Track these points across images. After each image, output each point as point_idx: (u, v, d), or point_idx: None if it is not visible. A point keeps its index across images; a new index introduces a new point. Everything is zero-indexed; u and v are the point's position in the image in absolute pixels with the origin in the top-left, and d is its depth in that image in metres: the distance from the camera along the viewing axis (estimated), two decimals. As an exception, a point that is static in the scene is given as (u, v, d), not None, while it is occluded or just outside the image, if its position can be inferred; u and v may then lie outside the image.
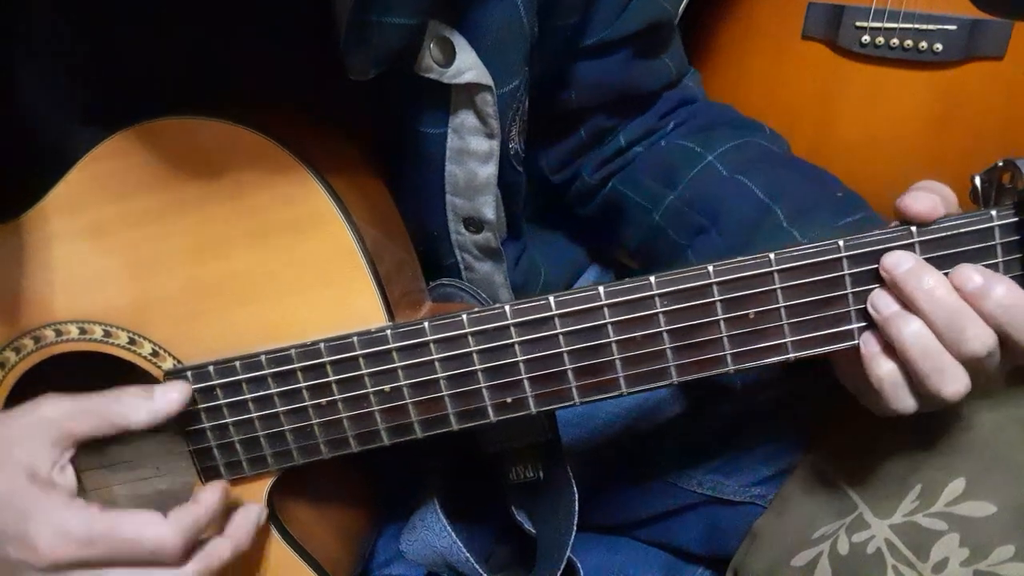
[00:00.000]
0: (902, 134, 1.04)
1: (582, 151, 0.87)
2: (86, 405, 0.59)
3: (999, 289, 0.53)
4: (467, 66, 0.66)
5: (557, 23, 0.72)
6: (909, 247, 0.54)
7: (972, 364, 0.54)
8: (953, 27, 0.97)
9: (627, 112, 0.85)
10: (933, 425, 0.67)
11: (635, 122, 0.85)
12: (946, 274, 0.54)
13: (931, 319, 0.53)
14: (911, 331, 0.54)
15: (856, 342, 0.57)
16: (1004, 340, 0.54)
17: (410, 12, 0.62)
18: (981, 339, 0.53)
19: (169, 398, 0.60)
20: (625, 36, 0.77)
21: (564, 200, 0.92)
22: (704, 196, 0.79)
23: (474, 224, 0.75)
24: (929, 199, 0.54)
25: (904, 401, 0.56)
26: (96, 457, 0.73)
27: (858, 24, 1.00)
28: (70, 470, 0.59)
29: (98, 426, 0.59)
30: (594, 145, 0.86)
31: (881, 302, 0.55)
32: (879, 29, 0.99)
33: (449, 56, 0.65)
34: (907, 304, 0.54)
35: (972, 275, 0.53)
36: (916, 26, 0.98)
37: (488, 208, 0.74)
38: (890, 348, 0.55)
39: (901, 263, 0.54)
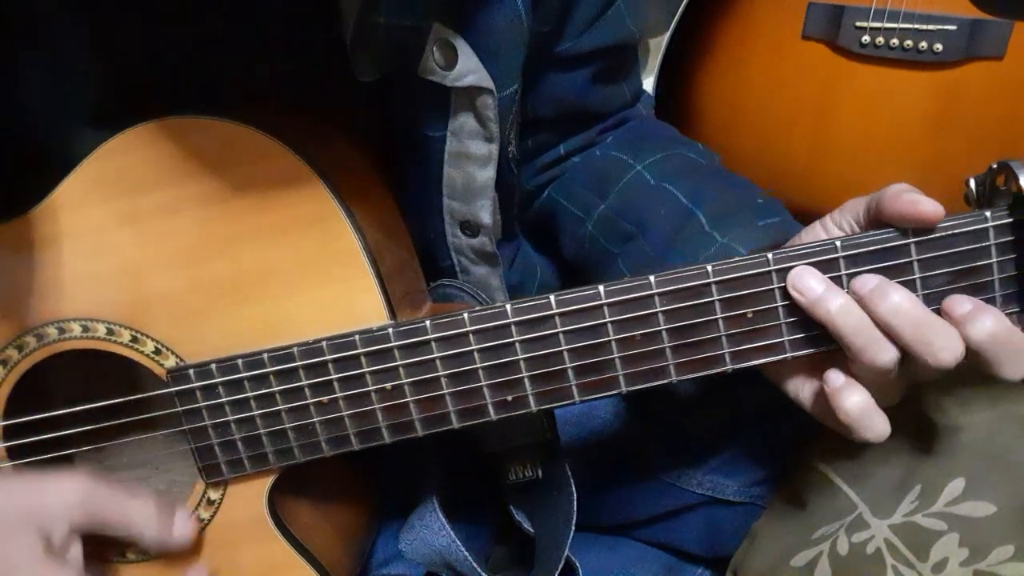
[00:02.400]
0: (902, 134, 1.04)
1: (525, 159, 0.87)
2: (114, 503, 0.61)
3: (987, 320, 0.53)
4: (468, 69, 0.66)
5: (535, 28, 0.72)
6: (905, 248, 0.54)
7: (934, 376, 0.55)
8: (953, 27, 0.97)
9: (576, 129, 0.87)
10: (933, 425, 0.68)
11: (577, 136, 0.87)
12: (942, 274, 0.55)
13: (897, 332, 0.53)
14: (838, 304, 0.54)
15: None
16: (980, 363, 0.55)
17: (415, 15, 0.63)
18: (949, 351, 0.53)
19: (181, 535, 0.63)
20: (592, 50, 0.79)
21: None
22: (632, 204, 0.80)
23: (470, 228, 0.75)
24: (933, 203, 0.54)
25: (879, 428, 0.56)
26: (97, 457, 0.73)
27: (858, 24, 1.00)
28: (78, 545, 0.60)
29: (114, 526, 0.61)
30: (535, 155, 0.88)
31: (805, 285, 0.55)
32: (879, 29, 0.99)
33: (451, 59, 0.66)
34: (876, 321, 0.54)
35: (963, 302, 0.54)
36: (916, 26, 0.98)
37: (485, 212, 0.74)
38: (852, 382, 0.56)
39: (867, 282, 0.55)
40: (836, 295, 0.54)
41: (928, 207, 0.53)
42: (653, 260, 0.75)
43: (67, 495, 0.60)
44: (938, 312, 0.55)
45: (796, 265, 0.55)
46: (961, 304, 0.54)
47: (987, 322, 0.53)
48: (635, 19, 0.80)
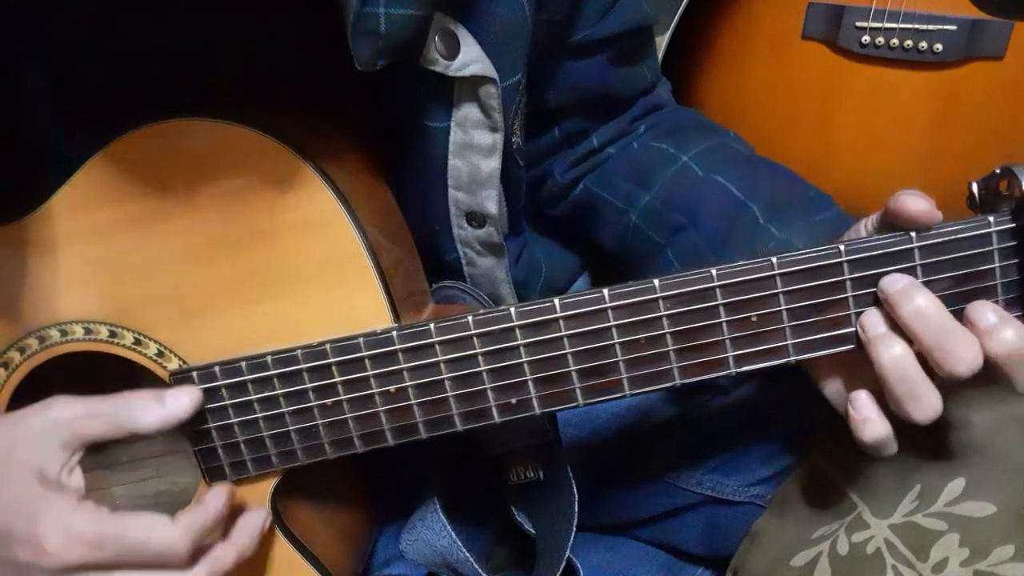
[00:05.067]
0: (902, 134, 1.04)
1: (554, 151, 0.87)
2: (96, 407, 0.59)
3: (1008, 333, 0.53)
4: (471, 59, 0.66)
5: (546, 18, 0.72)
6: (909, 252, 0.54)
7: (952, 382, 0.54)
8: (953, 27, 0.97)
9: (601, 115, 0.86)
10: (932, 425, 0.67)
11: (607, 125, 0.86)
12: (945, 278, 0.55)
13: (918, 336, 0.54)
14: (891, 355, 0.54)
15: (853, 346, 0.57)
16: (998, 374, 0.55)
17: (416, 4, 0.62)
18: (967, 361, 0.53)
19: (180, 403, 0.60)
20: (608, 36, 0.78)
21: (536, 201, 0.92)
22: (681, 195, 0.79)
23: (476, 219, 0.75)
24: (924, 200, 0.54)
25: (891, 451, 0.58)
26: (97, 457, 0.73)
27: (858, 24, 1.00)
28: (78, 472, 0.59)
29: (107, 429, 0.59)
30: (566, 146, 0.87)
31: (869, 322, 0.56)
32: (879, 29, 0.99)
33: (453, 49, 0.66)
34: (898, 323, 0.55)
35: (986, 313, 0.54)
36: (916, 26, 0.98)
37: (491, 202, 0.74)
38: (879, 413, 0.56)
39: (895, 282, 0.55)
40: (892, 343, 0.55)
41: (913, 206, 0.54)
42: (706, 251, 0.75)
43: (47, 420, 0.58)
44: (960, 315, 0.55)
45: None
46: (985, 315, 0.54)
47: (1009, 335, 0.53)
48: (650, 1, 0.80)
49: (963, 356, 0.53)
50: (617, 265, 0.89)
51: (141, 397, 0.60)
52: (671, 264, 0.78)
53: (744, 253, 0.69)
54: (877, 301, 0.56)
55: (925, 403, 0.54)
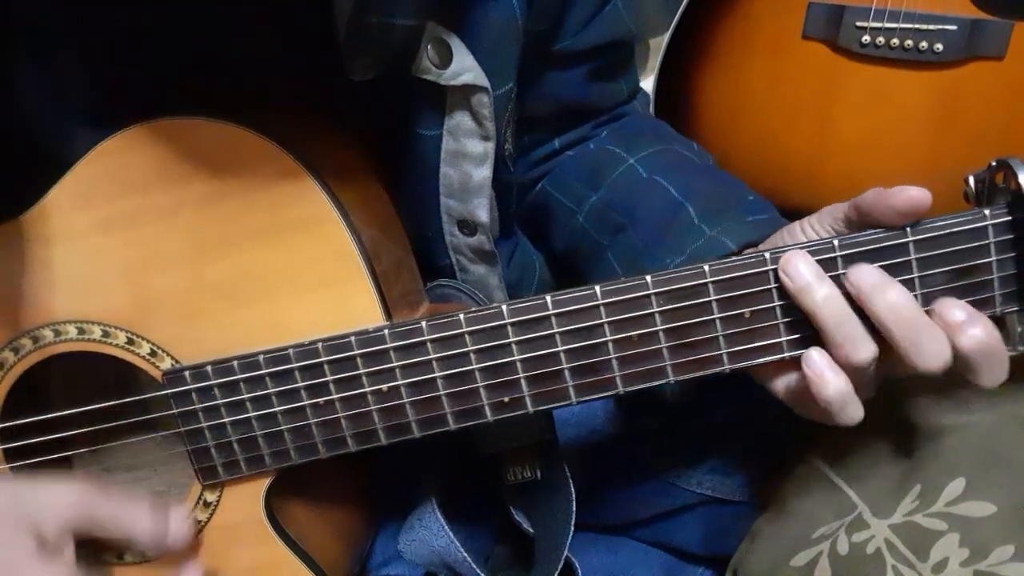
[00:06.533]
0: (902, 134, 1.04)
1: (519, 154, 0.87)
2: (107, 505, 0.61)
3: (977, 330, 0.54)
4: (464, 68, 0.66)
5: (531, 28, 0.72)
6: (903, 246, 0.54)
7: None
8: (953, 27, 0.97)
9: (572, 125, 0.87)
10: (933, 425, 0.67)
11: (573, 131, 0.87)
12: (941, 272, 0.55)
13: (891, 331, 0.53)
14: (823, 295, 0.54)
15: None
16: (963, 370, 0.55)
17: (409, 14, 0.63)
18: (939, 356, 0.53)
19: (177, 537, 0.63)
20: (588, 48, 0.79)
21: None
22: (623, 196, 0.80)
23: (468, 226, 0.75)
24: (917, 188, 0.54)
25: (854, 414, 0.56)
26: (95, 459, 0.73)
27: (858, 24, 1.00)
28: (71, 547, 0.60)
29: (107, 528, 0.61)
30: (530, 149, 0.88)
31: (798, 271, 0.54)
32: (879, 29, 0.99)
33: (446, 58, 0.66)
34: (869, 316, 0.54)
35: (954, 310, 0.54)
36: (916, 26, 0.98)
37: (482, 210, 0.74)
38: (833, 367, 0.55)
39: (867, 276, 0.54)
40: (823, 285, 0.54)
41: (915, 192, 0.53)
42: (641, 251, 0.75)
43: (61, 497, 0.60)
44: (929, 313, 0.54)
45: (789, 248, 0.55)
46: (953, 311, 0.54)
47: (977, 332, 0.53)
48: (633, 16, 0.80)
49: (934, 351, 0.53)
50: (567, 269, 0.89)
51: (145, 516, 0.62)
52: (612, 267, 0.78)
53: (675, 252, 0.69)
54: None
55: (863, 345, 0.54)
